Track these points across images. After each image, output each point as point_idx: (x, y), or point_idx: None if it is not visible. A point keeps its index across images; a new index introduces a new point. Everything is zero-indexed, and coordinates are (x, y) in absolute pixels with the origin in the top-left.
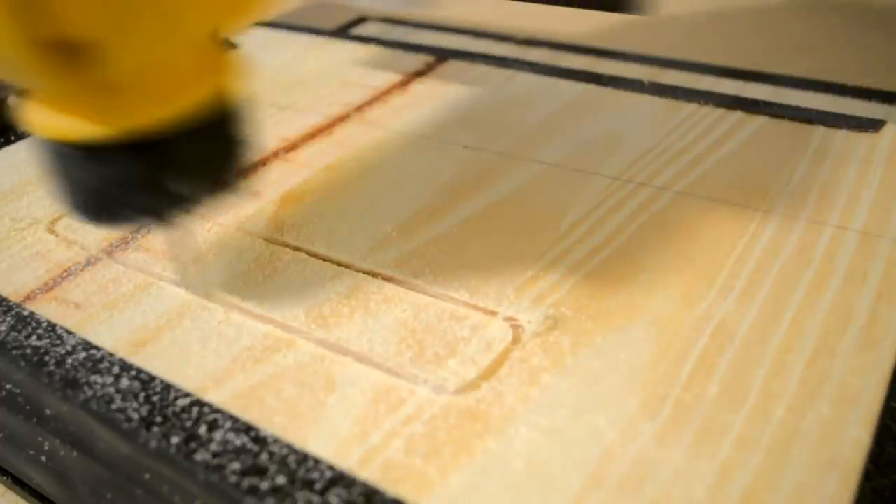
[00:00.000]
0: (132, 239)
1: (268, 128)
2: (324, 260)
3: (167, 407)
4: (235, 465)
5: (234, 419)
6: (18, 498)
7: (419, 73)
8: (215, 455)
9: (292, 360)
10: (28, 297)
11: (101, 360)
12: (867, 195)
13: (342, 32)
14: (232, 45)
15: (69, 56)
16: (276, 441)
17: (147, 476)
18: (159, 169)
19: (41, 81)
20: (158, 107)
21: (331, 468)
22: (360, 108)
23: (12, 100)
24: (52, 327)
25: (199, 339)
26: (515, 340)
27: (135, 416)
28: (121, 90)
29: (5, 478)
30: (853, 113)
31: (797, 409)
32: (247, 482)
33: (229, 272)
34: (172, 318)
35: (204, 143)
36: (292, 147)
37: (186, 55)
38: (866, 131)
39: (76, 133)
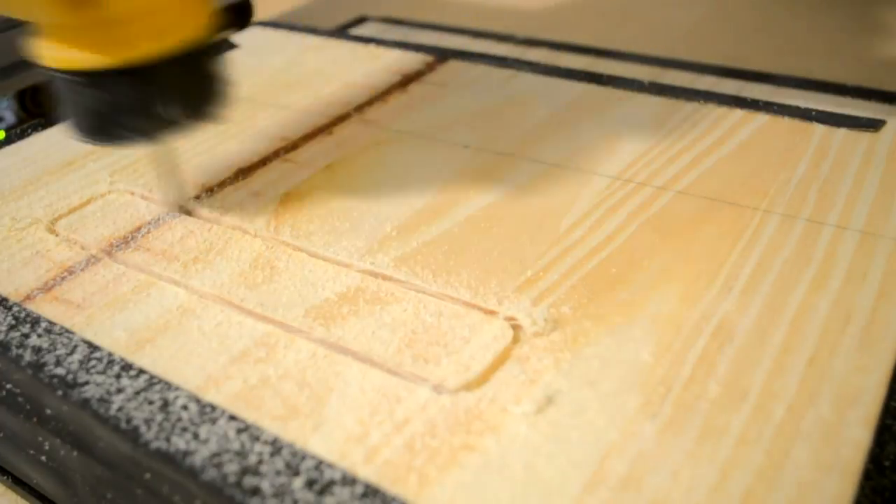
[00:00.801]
0: (132, 239)
1: (268, 128)
2: (324, 260)
3: (167, 407)
4: (235, 465)
5: (234, 419)
6: (18, 498)
7: (419, 73)
8: (215, 455)
9: (292, 359)
10: (28, 297)
11: (101, 359)
12: (867, 195)
13: (342, 32)
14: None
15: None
16: (275, 441)
17: (147, 476)
18: (150, 95)
19: (53, 17)
20: (150, 41)
21: (331, 468)
22: (360, 108)
23: (26, 38)
24: (52, 327)
25: (198, 338)
26: (515, 340)
27: (135, 416)
28: (118, 25)
29: (5, 478)
30: (853, 113)
31: (797, 409)
32: (246, 482)
33: (229, 272)
34: (172, 317)
35: (188, 74)
36: (292, 147)
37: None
38: (866, 131)
39: (81, 63)
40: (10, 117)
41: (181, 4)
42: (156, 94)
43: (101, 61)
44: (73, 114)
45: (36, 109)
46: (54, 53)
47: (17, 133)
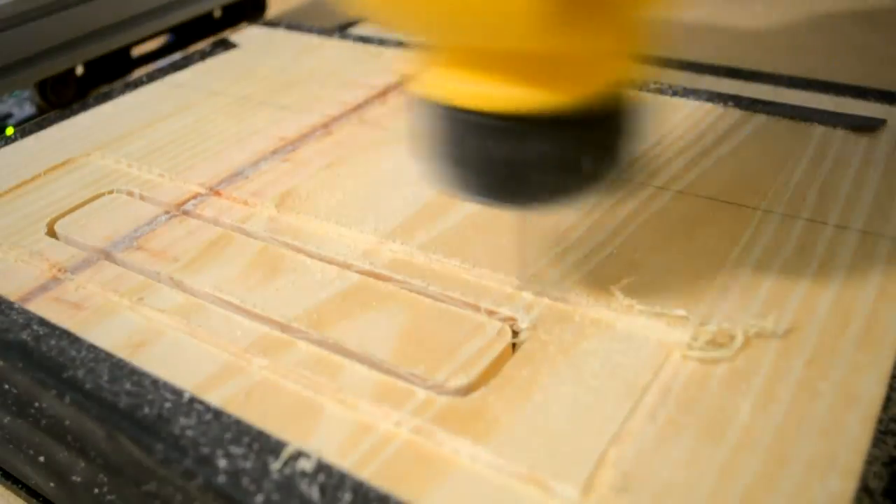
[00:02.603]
0: (131, 239)
1: (267, 128)
2: (323, 260)
3: (167, 407)
4: (235, 466)
5: (234, 419)
6: (19, 498)
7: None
8: (214, 455)
9: (292, 360)
10: (28, 297)
11: (101, 360)
12: (867, 194)
13: (342, 32)
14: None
15: (574, 13)
16: (275, 441)
17: (147, 476)
18: (576, 148)
19: (534, 38)
20: (589, 83)
21: (329, 468)
22: (359, 108)
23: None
24: (51, 327)
25: (198, 339)
26: (514, 341)
27: (134, 416)
28: (572, 58)
29: (5, 478)
30: (852, 112)
31: (797, 409)
32: (245, 482)
33: (228, 273)
34: (172, 318)
35: (614, 125)
36: (292, 147)
37: (617, 35)
38: (866, 131)
39: (522, 103)
40: (28, 109)
41: (624, 38)
42: (578, 147)
43: (536, 101)
44: (466, 164)
45: (57, 99)
46: (460, 87)
47: (29, 127)
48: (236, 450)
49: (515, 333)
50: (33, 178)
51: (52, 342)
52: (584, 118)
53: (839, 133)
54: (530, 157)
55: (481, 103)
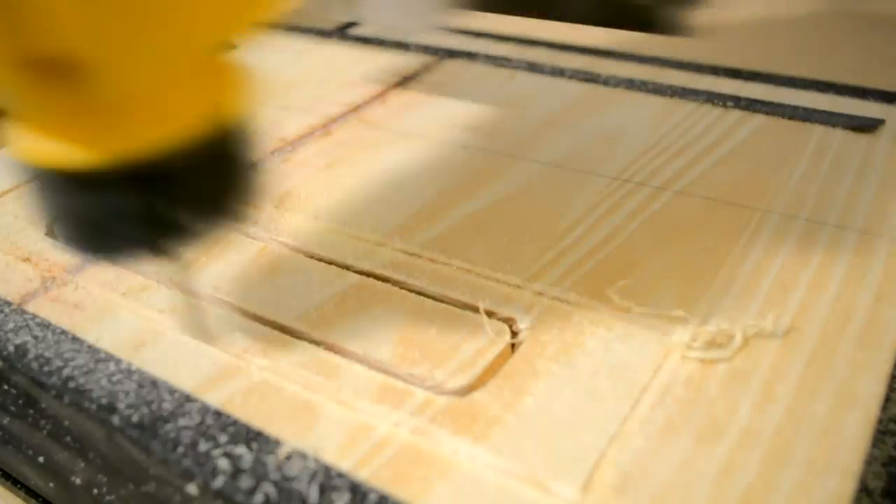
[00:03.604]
0: None
1: (266, 128)
2: (322, 260)
3: (166, 407)
4: (234, 466)
5: (233, 419)
6: (18, 498)
7: (418, 73)
8: (214, 456)
9: (291, 360)
10: (27, 298)
11: (101, 360)
12: (866, 194)
13: (342, 32)
14: (230, 46)
15: (58, 75)
16: (274, 441)
17: (146, 477)
18: (157, 197)
19: (25, 103)
20: (155, 127)
21: (329, 469)
22: (359, 108)
23: None
24: (51, 328)
25: (197, 339)
26: (514, 340)
27: (134, 417)
28: (113, 111)
29: (4, 478)
30: (852, 112)
31: (797, 409)
32: (245, 483)
33: (228, 273)
34: (171, 318)
35: (206, 165)
36: (291, 147)
37: (188, 68)
38: (865, 131)
39: (65, 159)
40: None
41: (196, 72)
42: (163, 196)
43: (92, 156)
44: (58, 220)
45: None
46: (30, 145)
47: None
48: (235, 450)
49: (515, 334)
50: (33, 178)
51: (52, 342)
52: (136, 168)
53: (838, 133)
54: (97, 210)
55: (36, 159)
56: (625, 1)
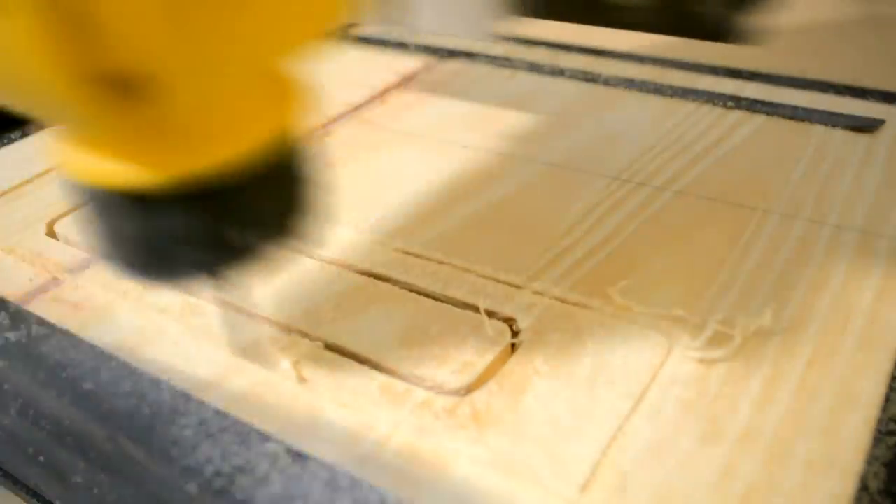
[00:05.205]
0: None
1: None
2: (323, 260)
3: (166, 407)
4: (234, 466)
5: (234, 419)
6: (18, 498)
7: (418, 73)
8: (214, 456)
9: (291, 360)
10: (28, 297)
11: (101, 360)
12: (866, 194)
13: (341, 32)
14: (296, 61)
15: (123, 92)
16: (274, 441)
17: (147, 477)
18: (219, 220)
19: (90, 121)
20: (224, 146)
21: (329, 468)
22: (359, 108)
23: (48, 139)
24: (51, 327)
25: (198, 339)
26: (514, 340)
27: (134, 416)
28: (182, 129)
29: (5, 478)
30: (852, 112)
31: (797, 409)
32: (246, 483)
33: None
34: (172, 318)
35: (269, 188)
36: None
37: (257, 84)
38: (865, 131)
39: (124, 179)
40: None
41: (261, 91)
42: (226, 219)
43: (154, 177)
44: (114, 243)
45: None
46: (86, 164)
47: (30, 127)
48: (236, 450)
49: (515, 334)
50: (33, 178)
51: (52, 342)
52: (199, 190)
53: (838, 133)
54: (157, 233)
55: (96, 180)
56: (684, 8)
